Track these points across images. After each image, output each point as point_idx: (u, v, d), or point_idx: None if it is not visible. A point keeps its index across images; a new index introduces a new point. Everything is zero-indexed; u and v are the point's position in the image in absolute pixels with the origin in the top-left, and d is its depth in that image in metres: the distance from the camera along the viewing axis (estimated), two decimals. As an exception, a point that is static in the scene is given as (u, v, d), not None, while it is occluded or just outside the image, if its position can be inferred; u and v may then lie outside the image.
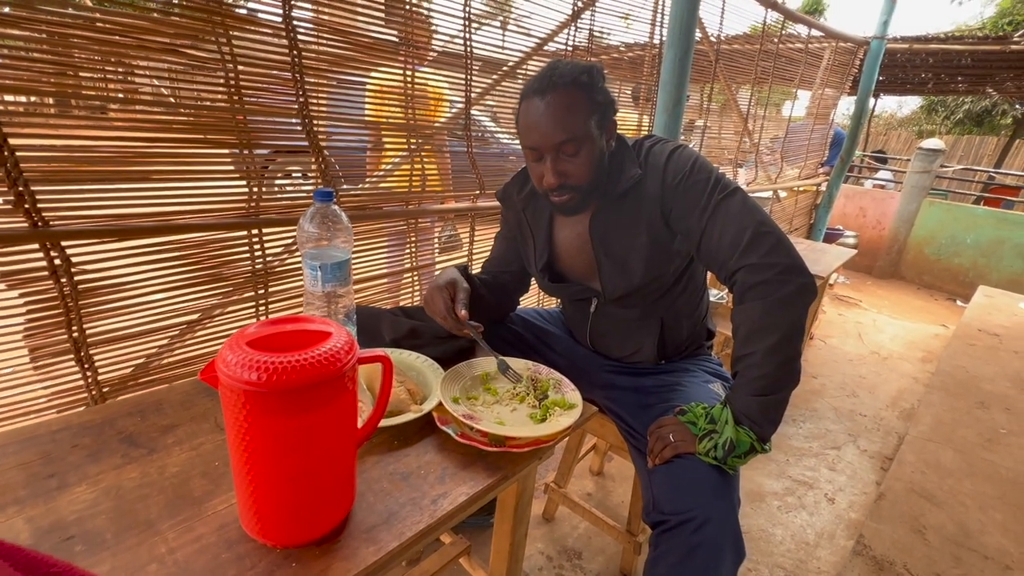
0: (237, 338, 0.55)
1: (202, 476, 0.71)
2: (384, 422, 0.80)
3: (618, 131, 1.00)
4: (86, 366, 1.01)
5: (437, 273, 1.15)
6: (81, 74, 0.91)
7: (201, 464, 0.73)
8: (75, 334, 0.98)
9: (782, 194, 3.45)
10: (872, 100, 3.66)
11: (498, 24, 1.59)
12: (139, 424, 0.80)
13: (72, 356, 0.99)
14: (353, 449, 0.64)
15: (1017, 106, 12.35)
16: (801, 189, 3.63)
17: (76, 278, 0.96)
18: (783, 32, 2.68)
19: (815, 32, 3.01)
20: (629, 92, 2.22)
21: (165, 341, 1.13)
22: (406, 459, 0.77)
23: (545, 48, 1.65)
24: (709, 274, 1.14)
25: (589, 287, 1.08)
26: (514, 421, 0.84)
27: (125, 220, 0.98)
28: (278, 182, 1.81)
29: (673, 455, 0.87)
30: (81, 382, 1.02)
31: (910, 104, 17.74)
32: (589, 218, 1.01)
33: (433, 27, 1.42)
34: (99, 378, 1.04)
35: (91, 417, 0.81)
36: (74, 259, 0.95)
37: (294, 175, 1.91)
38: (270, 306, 1.26)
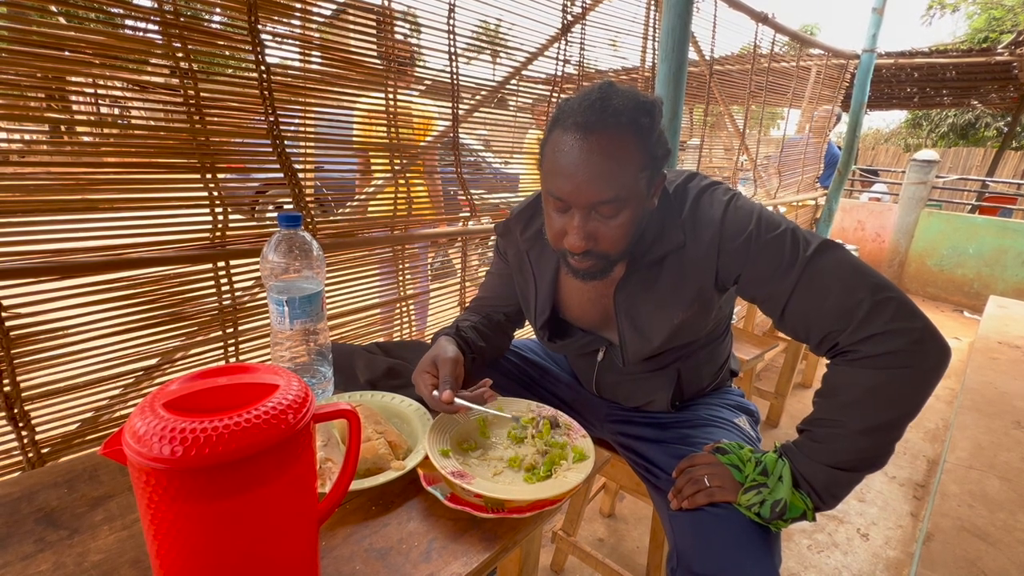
0: (152, 398, 0.43)
1: (131, 565, 0.57)
2: (360, 483, 0.68)
3: None
4: (20, 424, 0.88)
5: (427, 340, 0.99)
6: (12, 92, 0.81)
7: (133, 548, 0.60)
8: (7, 387, 0.86)
9: (782, 209, 3.38)
10: (866, 112, 3.65)
11: (487, 55, 1.52)
12: (65, 497, 0.67)
13: (4, 413, 0.86)
14: (313, 528, 0.51)
15: (1000, 119, 12.58)
16: (800, 204, 3.57)
17: (8, 323, 0.84)
18: (774, 47, 2.65)
19: (808, 50, 3.00)
20: None
21: (118, 391, 1.00)
22: (385, 530, 0.64)
23: (532, 68, 1.58)
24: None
25: (601, 337, 0.93)
26: (514, 478, 0.71)
27: (66, 256, 0.87)
28: (269, 215, 1.70)
29: (707, 502, 0.74)
30: (15, 443, 0.89)
31: (896, 119, 18.10)
32: (615, 284, 0.84)
33: (416, 47, 1.35)
34: (36, 438, 0.90)
35: (8, 490, 0.68)
36: (5, 302, 0.83)
37: (286, 207, 1.80)
38: (240, 346, 1.14)
